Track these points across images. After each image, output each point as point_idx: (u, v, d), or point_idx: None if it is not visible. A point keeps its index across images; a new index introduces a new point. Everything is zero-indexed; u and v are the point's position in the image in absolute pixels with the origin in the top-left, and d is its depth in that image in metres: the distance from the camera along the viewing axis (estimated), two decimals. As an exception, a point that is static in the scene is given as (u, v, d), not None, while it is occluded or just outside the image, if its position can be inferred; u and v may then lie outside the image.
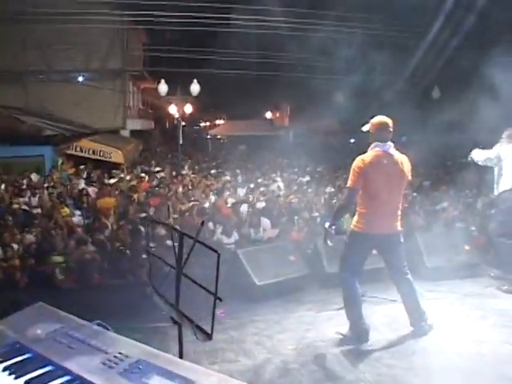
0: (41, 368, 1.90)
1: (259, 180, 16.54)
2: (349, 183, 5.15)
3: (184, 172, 19.04)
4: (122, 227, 9.63)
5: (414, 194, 12.63)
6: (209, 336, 2.55)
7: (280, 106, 42.73)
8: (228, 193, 13.59)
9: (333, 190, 14.47)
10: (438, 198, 12.36)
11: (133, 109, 27.77)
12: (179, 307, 2.75)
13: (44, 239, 9.04)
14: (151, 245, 9.18)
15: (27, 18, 19.16)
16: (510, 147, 7.15)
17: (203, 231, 9.16)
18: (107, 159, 19.94)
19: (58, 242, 9.02)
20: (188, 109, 23.88)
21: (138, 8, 20.12)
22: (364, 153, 5.19)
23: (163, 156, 27.49)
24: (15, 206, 11.26)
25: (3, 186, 13.26)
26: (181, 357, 2.93)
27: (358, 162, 5.06)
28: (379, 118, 5.23)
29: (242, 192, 14.16)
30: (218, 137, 43.95)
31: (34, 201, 12.40)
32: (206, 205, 12.04)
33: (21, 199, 12.25)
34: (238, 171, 19.03)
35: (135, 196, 12.86)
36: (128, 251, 8.67)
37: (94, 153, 20.10)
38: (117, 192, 13.30)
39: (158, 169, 19.86)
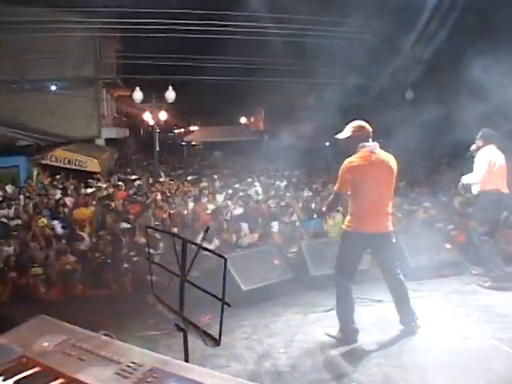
0: (52, 381, 1.89)
1: (236, 185, 16.55)
2: (336, 187, 5.26)
3: (161, 179, 18.97)
4: (102, 237, 9.56)
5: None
6: (217, 342, 2.56)
7: (254, 111, 42.85)
8: (206, 199, 13.56)
9: (310, 194, 14.55)
10: (415, 199, 12.52)
11: (107, 117, 27.59)
12: (184, 314, 2.76)
13: (22, 251, 8.94)
14: (131, 253, 9.20)
15: (-2, 28, 18.97)
16: (486, 148, 7.30)
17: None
18: (83, 168, 19.79)
19: (36, 253, 8.94)
20: (163, 116, 23.82)
21: (111, 15, 20.01)
22: (349, 156, 5.26)
23: (139, 164, 27.37)
24: (-8, 218, 11.11)
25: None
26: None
27: (346, 165, 5.15)
28: (357, 122, 5.32)
29: (220, 198, 14.15)
30: (193, 143, 43.87)
31: (11, 212, 12.23)
32: (185, 212, 12.02)
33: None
34: (215, 177, 19.02)
35: (113, 205, 12.77)
36: (109, 261, 8.62)
37: (69, 162, 19.93)
38: (94, 202, 13.18)
39: (134, 177, 19.77)
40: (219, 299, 2.58)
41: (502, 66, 9.21)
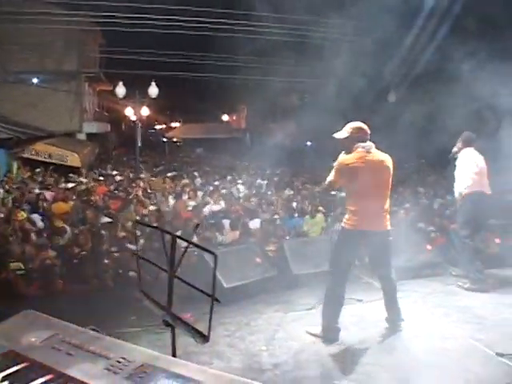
0: (41, 377, 1.87)
1: (216, 183, 16.53)
2: (331, 177, 5.39)
3: (142, 175, 18.87)
4: (82, 232, 9.48)
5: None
6: (206, 338, 2.56)
7: (237, 109, 42.76)
8: (187, 196, 13.53)
9: (292, 192, 14.59)
10: (397, 199, 12.60)
11: (89, 111, 27.38)
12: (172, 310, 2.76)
13: (1, 245, 8.82)
14: (113, 249, 9.15)
15: (-22, 19, 18.72)
16: (467, 151, 7.39)
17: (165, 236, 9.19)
18: (64, 163, 19.61)
19: (16, 247, 8.82)
20: (145, 111, 23.68)
21: (94, 9, 19.83)
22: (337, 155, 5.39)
23: (120, 159, 27.20)
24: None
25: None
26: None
27: (342, 165, 5.27)
28: (356, 123, 5.41)
29: (201, 194, 14.12)
30: (175, 140, 43.69)
31: (-11, 206, 12.06)
32: (166, 208, 11.99)
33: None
34: (196, 174, 18.98)
35: (93, 199, 12.69)
36: (90, 256, 8.56)
37: (50, 156, 19.75)
38: (74, 197, 13.07)
39: (115, 172, 19.65)
40: (209, 295, 2.57)
41: (483, 69, 9.30)
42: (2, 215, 10.83)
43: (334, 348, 5.21)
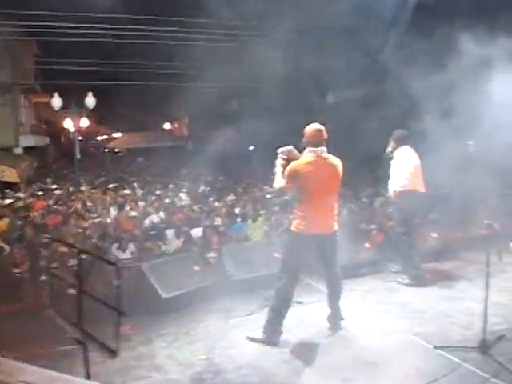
0: None
1: (158, 192, 16.33)
2: (283, 182, 5.38)
3: (83, 188, 18.47)
4: (19, 250, 9.17)
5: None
6: (114, 353, 2.45)
7: (178, 117, 42.53)
8: (128, 207, 13.30)
9: (234, 198, 14.53)
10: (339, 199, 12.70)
11: (25, 125, 26.63)
12: (84, 326, 2.63)
13: None
14: (53, 265, 8.86)
15: None
16: (402, 149, 7.48)
17: (100, 248, 9.00)
18: (0, 179, 18.95)
19: None
20: (84, 123, 23.17)
21: (29, 19, 19.24)
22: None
23: (60, 172, 26.57)
24: None
25: None
26: (88, 378, 2.79)
27: (293, 167, 5.29)
28: (313, 126, 5.44)
29: (142, 205, 13.90)
30: (117, 150, 43.05)
31: None
32: (108, 220, 11.74)
33: None
34: (135, 185, 18.70)
35: (32, 215, 12.30)
36: (26, 274, 8.28)
37: (-15, 172, 19.05)
38: (12, 213, 12.64)
39: (54, 186, 19.15)
40: (115, 309, 2.46)
41: (420, 66, 9.44)
42: None
43: (276, 352, 5.17)
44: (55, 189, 18.42)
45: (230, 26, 18.14)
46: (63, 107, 21.91)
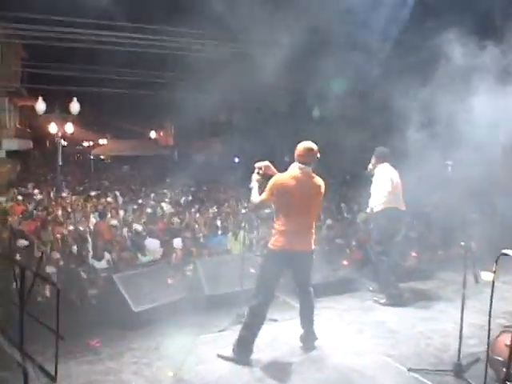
0: None
1: (140, 201, 16.14)
2: (263, 196, 5.27)
3: (64, 194, 18.24)
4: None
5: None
6: (52, 378, 2.31)
7: (164, 126, 42.45)
8: (109, 215, 13.11)
9: (216, 210, 14.40)
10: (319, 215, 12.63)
11: (9, 128, 26.36)
12: (25, 349, 2.50)
13: None
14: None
15: None
16: (382, 166, 7.44)
17: (78, 257, 8.81)
18: (-20, 182, 18.71)
19: None
20: (69, 128, 22.95)
21: (16, 21, 19.05)
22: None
23: (43, 177, 26.26)
24: None
25: None
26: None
27: (277, 178, 5.26)
28: (305, 144, 5.36)
29: (122, 214, 13.72)
30: (102, 157, 42.80)
31: None
32: (86, 228, 11.54)
33: None
34: (117, 193, 18.50)
35: (10, 220, 12.07)
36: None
37: (-35, 176, 18.81)
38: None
39: (35, 191, 18.88)
40: (54, 331, 2.33)
41: (403, 84, 9.43)
42: None
43: (247, 371, 5.06)
44: (36, 194, 18.16)
45: (218, 38, 18.13)
46: (49, 111, 21.71)
